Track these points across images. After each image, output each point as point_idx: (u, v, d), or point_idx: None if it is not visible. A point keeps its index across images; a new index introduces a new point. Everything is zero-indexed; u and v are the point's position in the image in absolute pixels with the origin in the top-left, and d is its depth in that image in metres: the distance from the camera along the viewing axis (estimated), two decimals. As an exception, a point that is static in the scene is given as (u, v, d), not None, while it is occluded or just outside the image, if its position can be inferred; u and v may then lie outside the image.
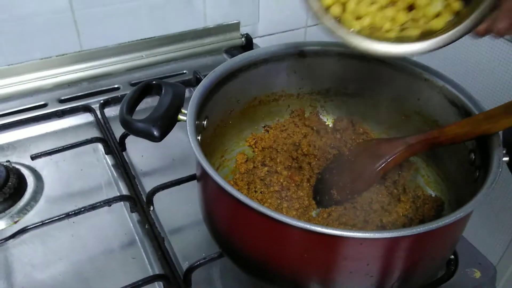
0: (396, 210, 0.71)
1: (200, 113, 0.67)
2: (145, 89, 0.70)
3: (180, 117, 0.65)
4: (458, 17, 0.57)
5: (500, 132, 0.62)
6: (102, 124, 0.94)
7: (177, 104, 0.66)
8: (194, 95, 0.66)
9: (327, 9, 0.60)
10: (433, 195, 0.75)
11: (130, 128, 0.63)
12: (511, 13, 0.54)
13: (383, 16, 0.59)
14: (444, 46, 0.56)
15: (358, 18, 0.59)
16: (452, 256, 0.73)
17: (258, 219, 0.53)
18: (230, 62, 0.73)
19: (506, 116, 0.60)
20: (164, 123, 0.63)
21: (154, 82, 0.70)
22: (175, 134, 0.65)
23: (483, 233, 1.38)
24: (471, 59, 1.28)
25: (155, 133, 0.62)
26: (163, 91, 0.68)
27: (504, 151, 0.60)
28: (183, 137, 0.60)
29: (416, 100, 0.75)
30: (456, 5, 0.57)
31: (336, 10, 0.59)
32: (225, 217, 0.62)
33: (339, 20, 0.59)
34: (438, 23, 0.57)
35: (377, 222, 0.71)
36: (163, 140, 0.64)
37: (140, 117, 0.64)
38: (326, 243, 0.52)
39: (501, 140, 0.61)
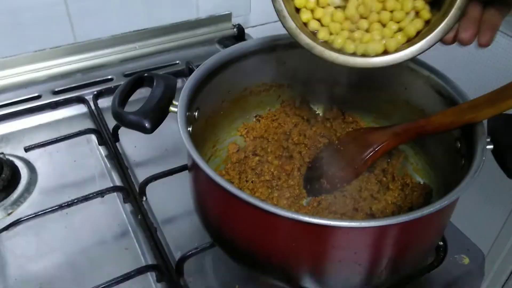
0: (385, 198, 0.72)
1: (191, 104, 0.67)
2: (137, 81, 0.70)
3: (172, 108, 0.65)
4: (428, 25, 0.58)
5: (485, 120, 0.63)
6: (96, 115, 0.95)
7: (169, 96, 0.67)
8: (184, 88, 0.67)
9: (305, 24, 0.61)
10: (422, 182, 0.76)
11: (122, 121, 0.64)
12: (476, 22, 0.55)
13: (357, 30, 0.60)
14: (416, 56, 0.57)
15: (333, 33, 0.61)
16: (441, 243, 0.74)
17: (247, 210, 0.54)
18: (220, 54, 0.74)
19: (489, 106, 0.60)
20: (156, 115, 0.64)
21: (146, 74, 0.70)
22: (168, 124, 0.66)
23: (474, 219, 1.39)
24: (457, 49, 1.28)
25: (146, 125, 0.63)
26: (154, 83, 0.68)
27: (489, 139, 0.61)
28: (176, 128, 0.60)
29: (403, 89, 0.76)
30: (426, 14, 0.58)
31: (313, 25, 0.61)
32: (215, 208, 0.63)
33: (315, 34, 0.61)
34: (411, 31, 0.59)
35: (366, 210, 0.72)
36: (156, 131, 0.64)
37: (134, 108, 0.65)
38: (313, 232, 0.53)
39: (486, 129, 0.62)
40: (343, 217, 0.71)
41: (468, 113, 0.62)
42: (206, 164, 0.56)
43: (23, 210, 0.78)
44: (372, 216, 0.71)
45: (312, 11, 0.61)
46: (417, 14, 0.59)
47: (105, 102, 1.00)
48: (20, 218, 0.72)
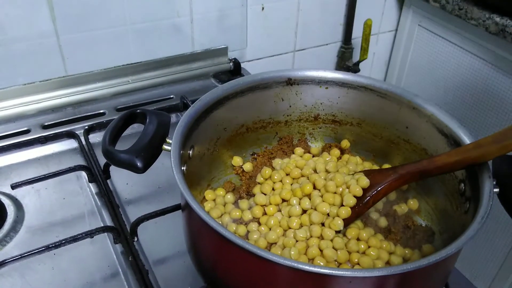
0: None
1: (185, 142, 0.65)
2: (129, 117, 0.68)
3: (165, 147, 0.63)
4: None
5: (490, 163, 0.61)
6: (86, 150, 0.92)
7: (162, 134, 0.65)
8: (179, 125, 0.64)
9: None
10: (424, 224, 0.73)
11: (113, 159, 0.62)
12: None
13: None
14: None
15: None
16: (444, 288, 0.71)
17: (243, 256, 0.52)
18: (216, 91, 0.72)
19: (495, 146, 0.59)
20: (148, 154, 0.62)
21: (138, 110, 0.68)
22: (161, 161, 0.64)
23: (472, 258, 1.37)
24: (461, 86, 1.28)
25: (138, 164, 0.61)
26: (147, 119, 0.66)
27: (494, 182, 0.59)
28: (169, 165, 0.58)
29: (405, 128, 0.74)
30: None
31: None
32: (209, 251, 0.60)
33: None
34: None
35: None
36: (148, 167, 0.62)
37: (126, 144, 0.62)
38: (314, 281, 0.50)
39: (491, 172, 0.60)
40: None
41: (474, 153, 0.60)
42: (200, 206, 0.54)
43: (9, 250, 0.75)
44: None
45: None
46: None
47: (96, 137, 0.97)
48: (5, 260, 0.69)
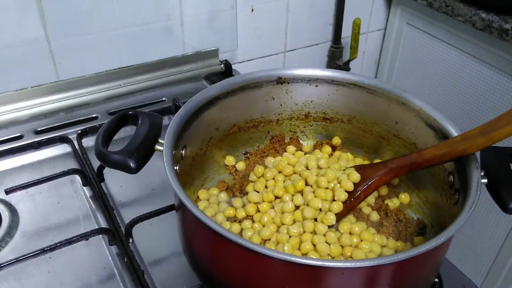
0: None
1: (177, 143, 0.66)
2: (121, 119, 0.69)
3: (157, 147, 0.64)
4: None
5: (478, 155, 0.62)
6: (80, 155, 0.92)
7: (154, 135, 0.65)
8: (170, 125, 0.65)
9: None
10: (415, 217, 0.74)
11: (106, 161, 0.62)
12: None
13: None
14: None
15: None
16: (436, 280, 0.72)
17: (237, 251, 0.52)
18: (207, 91, 0.73)
19: (482, 137, 0.60)
20: (141, 154, 0.62)
21: (130, 112, 0.69)
22: (154, 163, 0.64)
23: (466, 252, 1.38)
24: (450, 82, 1.29)
25: (131, 164, 0.61)
26: (139, 121, 0.67)
27: (482, 173, 0.60)
28: (163, 166, 0.59)
29: (394, 123, 0.75)
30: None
31: None
32: (204, 249, 0.61)
33: None
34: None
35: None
36: (142, 170, 0.63)
37: (119, 147, 0.63)
38: (307, 274, 0.51)
39: (479, 163, 0.61)
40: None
41: (461, 145, 0.62)
42: (193, 204, 0.54)
43: (4, 254, 0.75)
44: (366, 253, 0.69)
45: None
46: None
47: (89, 141, 0.98)
48: (1, 264, 0.69)
